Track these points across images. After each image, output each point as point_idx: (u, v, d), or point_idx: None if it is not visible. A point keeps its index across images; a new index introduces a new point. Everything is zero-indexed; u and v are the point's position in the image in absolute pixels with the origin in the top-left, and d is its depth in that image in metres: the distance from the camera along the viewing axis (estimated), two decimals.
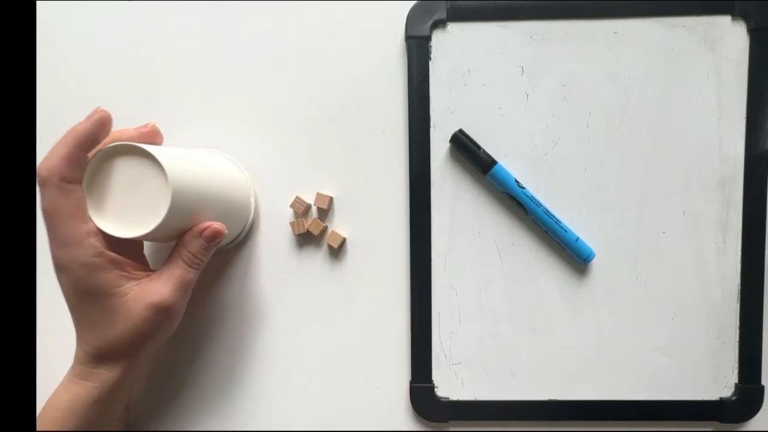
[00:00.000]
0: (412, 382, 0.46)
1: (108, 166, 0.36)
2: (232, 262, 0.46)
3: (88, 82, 0.46)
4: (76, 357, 0.39)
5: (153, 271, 0.39)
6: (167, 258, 0.39)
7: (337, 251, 0.46)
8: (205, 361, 0.47)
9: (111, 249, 0.37)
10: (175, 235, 0.39)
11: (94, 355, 0.38)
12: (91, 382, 0.38)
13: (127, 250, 0.39)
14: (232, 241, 0.45)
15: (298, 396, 0.46)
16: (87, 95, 0.46)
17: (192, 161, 0.39)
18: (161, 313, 0.38)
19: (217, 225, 0.39)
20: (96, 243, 0.36)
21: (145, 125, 0.40)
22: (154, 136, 0.40)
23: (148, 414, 0.47)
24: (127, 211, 0.36)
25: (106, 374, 0.38)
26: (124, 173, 0.36)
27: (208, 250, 0.39)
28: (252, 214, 0.45)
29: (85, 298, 0.37)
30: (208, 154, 0.45)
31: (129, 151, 0.36)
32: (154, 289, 0.38)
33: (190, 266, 0.39)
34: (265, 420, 0.47)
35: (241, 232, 0.45)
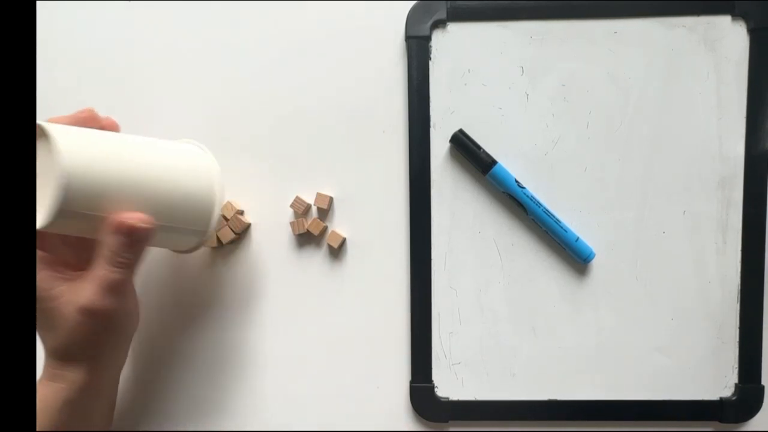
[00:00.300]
0: (412, 382, 0.46)
1: None
2: (232, 262, 0.46)
3: (87, 81, 0.46)
4: (44, 359, 0.38)
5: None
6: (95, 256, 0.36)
7: (337, 251, 0.46)
8: (205, 362, 0.47)
9: (48, 245, 0.35)
10: (93, 227, 0.35)
11: (54, 356, 0.37)
12: (58, 383, 0.37)
13: (68, 245, 0.36)
14: (200, 242, 0.41)
15: (298, 396, 0.46)
16: (87, 95, 0.46)
17: (114, 145, 0.35)
18: (92, 317, 0.35)
19: (133, 219, 0.34)
20: None
21: (83, 110, 0.37)
22: (90, 122, 0.37)
23: (147, 414, 0.47)
24: (40, 200, 0.33)
25: (72, 375, 0.37)
26: (40, 159, 0.33)
27: (131, 247, 0.35)
28: (217, 208, 0.40)
29: None
30: (151, 141, 0.39)
31: (40, 133, 0.33)
32: (81, 292, 0.35)
33: (114, 266, 0.35)
34: (265, 420, 0.47)
35: (206, 231, 0.40)
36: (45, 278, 0.35)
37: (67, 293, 0.35)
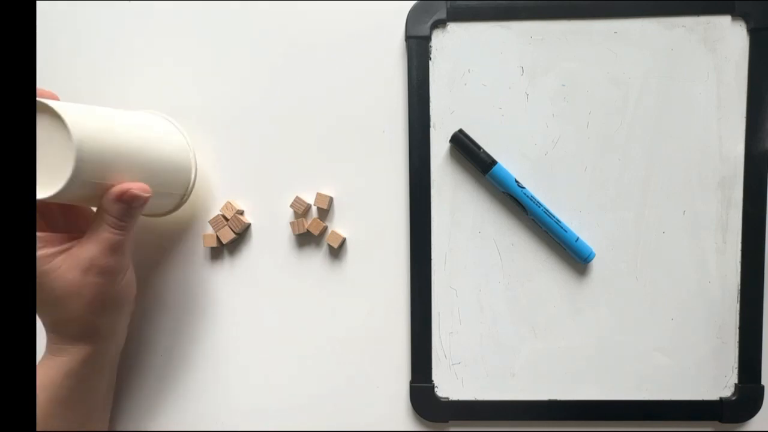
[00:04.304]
0: (412, 382, 0.46)
1: None
2: (232, 262, 0.46)
3: (87, 81, 0.46)
4: (46, 339, 0.39)
5: (81, 235, 0.39)
6: (93, 220, 0.38)
7: (337, 251, 0.46)
8: (204, 361, 0.47)
9: (47, 216, 0.38)
10: (93, 195, 0.37)
11: (55, 332, 0.39)
12: (60, 356, 0.39)
13: (53, 216, 0.39)
14: (177, 206, 0.44)
15: (298, 396, 0.46)
16: (86, 95, 0.46)
17: (107, 119, 0.38)
18: (98, 275, 0.38)
19: (135, 189, 0.37)
20: None
21: (41, 90, 0.39)
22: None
23: (146, 413, 0.47)
24: (47, 173, 0.35)
25: (74, 348, 0.39)
26: (41, 134, 0.35)
27: (131, 213, 0.38)
28: (194, 176, 0.44)
29: None
30: (133, 114, 0.42)
31: (41, 109, 0.35)
32: (84, 254, 0.37)
33: (116, 229, 0.38)
34: (265, 420, 0.47)
35: (184, 196, 0.44)
36: (43, 256, 0.37)
37: (67, 261, 0.37)
